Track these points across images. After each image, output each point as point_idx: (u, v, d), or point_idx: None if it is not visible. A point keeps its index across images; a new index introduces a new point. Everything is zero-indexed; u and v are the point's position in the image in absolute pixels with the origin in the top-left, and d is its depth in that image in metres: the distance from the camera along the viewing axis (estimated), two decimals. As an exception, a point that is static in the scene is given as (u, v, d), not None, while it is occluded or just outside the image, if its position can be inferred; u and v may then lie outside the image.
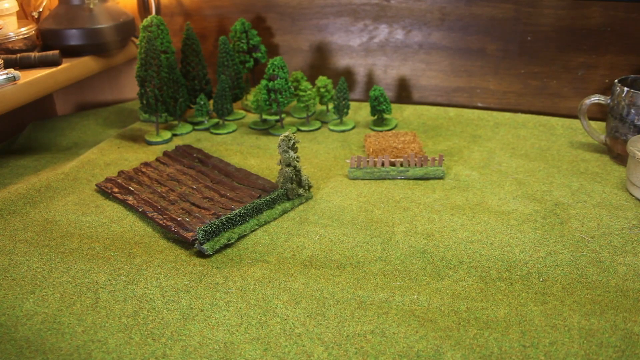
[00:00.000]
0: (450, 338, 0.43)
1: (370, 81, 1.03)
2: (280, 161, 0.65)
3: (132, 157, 0.82)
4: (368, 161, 0.74)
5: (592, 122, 0.80)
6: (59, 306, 0.50)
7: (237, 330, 0.46)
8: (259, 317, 0.47)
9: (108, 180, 0.73)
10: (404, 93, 1.02)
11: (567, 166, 0.74)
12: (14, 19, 0.89)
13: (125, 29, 0.97)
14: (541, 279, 0.52)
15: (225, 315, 0.48)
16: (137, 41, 0.99)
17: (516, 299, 0.49)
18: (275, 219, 0.64)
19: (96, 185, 0.72)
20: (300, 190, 0.67)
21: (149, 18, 0.92)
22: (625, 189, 0.67)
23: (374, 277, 0.53)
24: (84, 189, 0.73)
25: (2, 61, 0.82)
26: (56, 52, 0.87)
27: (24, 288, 0.52)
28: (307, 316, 0.47)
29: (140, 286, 0.52)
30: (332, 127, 0.90)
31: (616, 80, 0.74)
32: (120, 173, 0.74)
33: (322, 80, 0.91)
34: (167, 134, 0.89)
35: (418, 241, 0.58)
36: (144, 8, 1.07)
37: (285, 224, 0.63)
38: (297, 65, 1.06)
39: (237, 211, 0.61)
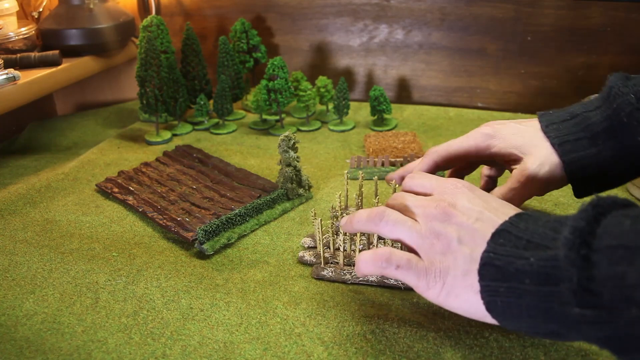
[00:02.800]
0: (450, 338, 0.43)
1: (370, 81, 1.03)
2: (280, 161, 0.65)
3: (132, 157, 0.82)
4: (368, 161, 0.74)
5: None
6: (58, 306, 0.50)
7: (237, 330, 0.46)
8: (259, 317, 0.47)
9: (108, 180, 0.73)
10: (404, 93, 1.02)
11: (567, 166, 0.74)
12: (14, 19, 0.90)
13: (125, 29, 0.97)
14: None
15: (225, 315, 0.48)
16: (137, 41, 0.99)
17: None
18: (275, 219, 0.64)
19: (96, 185, 0.72)
20: (300, 190, 0.67)
21: (149, 18, 0.92)
22: (626, 189, 0.67)
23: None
24: (84, 189, 0.73)
25: (2, 61, 0.82)
26: (56, 52, 0.87)
27: (24, 288, 0.52)
28: (307, 316, 0.47)
29: (140, 287, 0.52)
30: (332, 127, 0.90)
31: (616, 80, 0.74)
32: (120, 173, 0.74)
33: (322, 80, 0.91)
34: (167, 134, 0.89)
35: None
36: (144, 8, 1.08)
37: (285, 224, 0.63)
38: (297, 65, 1.06)
39: (237, 211, 0.61)
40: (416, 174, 0.46)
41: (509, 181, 0.51)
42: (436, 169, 0.55)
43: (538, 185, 0.50)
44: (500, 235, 0.36)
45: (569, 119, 0.49)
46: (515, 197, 0.51)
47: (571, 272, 0.31)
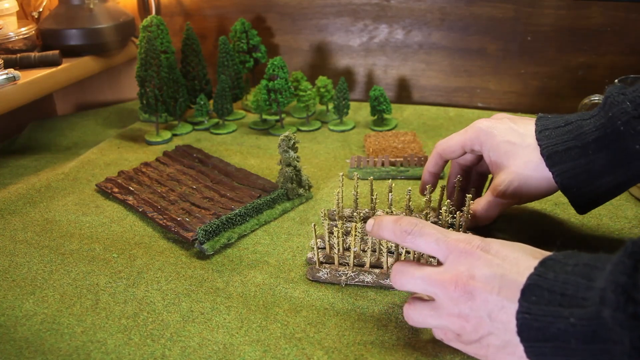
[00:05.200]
0: (449, 348, 0.43)
1: (370, 81, 1.03)
2: (280, 161, 0.65)
3: (132, 157, 0.82)
4: (368, 161, 0.74)
5: (592, 122, 0.80)
6: (58, 307, 0.50)
7: (237, 333, 0.46)
8: (259, 321, 0.47)
9: (108, 180, 0.73)
10: (404, 93, 1.02)
11: (567, 166, 0.74)
12: (14, 19, 0.89)
13: (125, 29, 0.97)
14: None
15: (225, 319, 0.48)
16: (137, 41, 0.99)
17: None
18: (275, 219, 0.64)
19: (96, 185, 0.72)
20: (300, 190, 0.67)
21: (149, 18, 0.92)
22: (625, 189, 0.66)
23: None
24: (84, 189, 0.73)
25: (2, 61, 0.82)
26: (56, 52, 0.87)
27: (24, 289, 0.52)
28: (308, 324, 0.47)
29: (140, 289, 0.52)
30: (332, 127, 0.90)
31: (616, 80, 0.74)
32: (120, 173, 0.74)
33: (322, 80, 0.91)
34: (167, 134, 0.89)
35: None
36: (144, 8, 1.07)
37: (285, 224, 0.63)
38: (297, 65, 1.06)
39: (237, 211, 0.61)
40: (419, 233, 0.41)
41: (486, 194, 0.54)
42: (442, 161, 0.59)
43: (510, 199, 0.51)
44: (531, 290, 0.35)
45: (563, 125, 0.49)
46: (495, 209, 0.53)
47: (622, 334, 0.29)
